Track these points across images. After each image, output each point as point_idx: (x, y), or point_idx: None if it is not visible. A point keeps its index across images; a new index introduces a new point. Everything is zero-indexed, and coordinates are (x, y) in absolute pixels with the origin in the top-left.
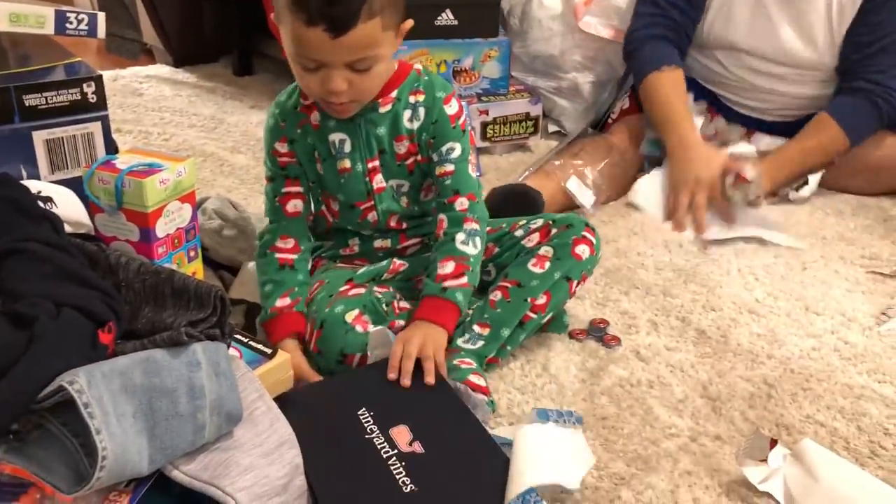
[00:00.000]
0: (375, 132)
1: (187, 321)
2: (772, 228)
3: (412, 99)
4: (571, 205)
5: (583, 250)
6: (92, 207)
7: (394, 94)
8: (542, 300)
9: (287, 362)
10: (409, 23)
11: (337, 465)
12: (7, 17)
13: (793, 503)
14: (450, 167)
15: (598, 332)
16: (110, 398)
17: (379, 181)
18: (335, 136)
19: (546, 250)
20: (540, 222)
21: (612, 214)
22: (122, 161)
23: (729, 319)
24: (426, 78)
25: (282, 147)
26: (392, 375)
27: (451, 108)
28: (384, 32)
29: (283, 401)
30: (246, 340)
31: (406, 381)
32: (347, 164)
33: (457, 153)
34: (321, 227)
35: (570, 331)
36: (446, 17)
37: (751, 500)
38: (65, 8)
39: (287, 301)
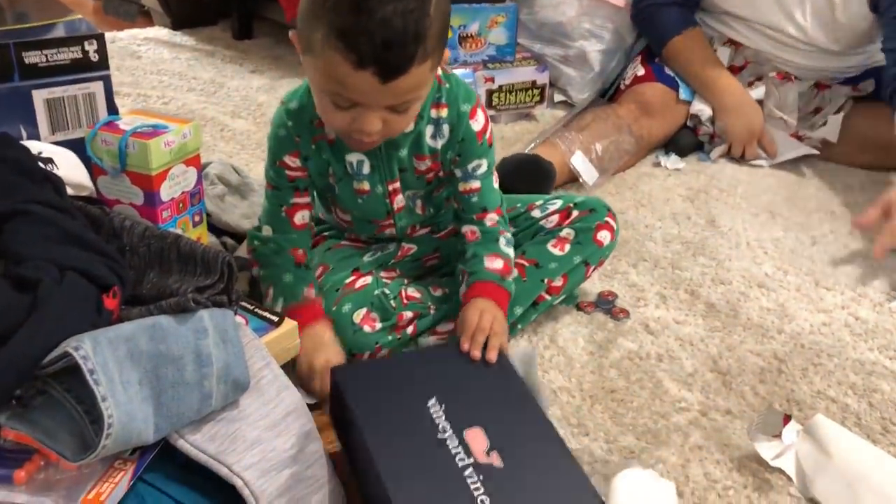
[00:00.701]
0: (398, 155)
1: (194, 287)
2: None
3: (434, 113)
4: (576, 178)
5: (604, 236)
6: (94, 169)
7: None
8: (558, 282)
9: (294, 330)
10: (448, 53)
11: (411, 466)
12: None
13: (805, 479)
14: (476, 184)
15: (606, 304)
16: (116, 365)
17: (399, 201)
18: (353, 157)
19: (567, 233)
20: (559, 203)
21: (619, 186)
22: (126, 122)
23: (738, 293)
24: (447, 86)
25: (293, 161)
26: (466, 346)
27: (478, 124)
28: (431, 72)
29: (345, 375)
30: (252, 308)
31: (476, 353)
32: (366, 185)
33: (483, 169)
34: (329, 223)
35: (577, 303)
36: None
37: (762, 475)
38: None
39: (314, 292)
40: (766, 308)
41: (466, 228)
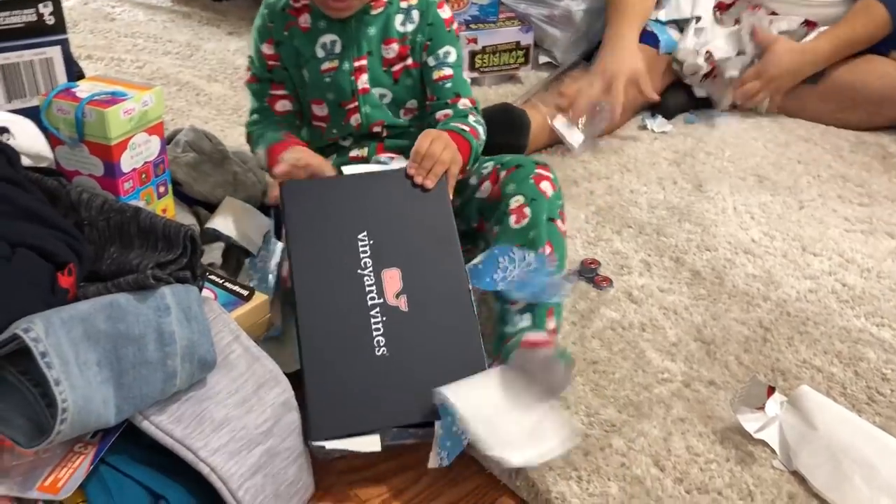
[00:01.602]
0: (366, 31)
1: (155, 263)
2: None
3: (404, 4)
4: (558, 141)
5: (546, 186)
6: (52, 139)
7: None
8: (547, 250)
9: (265, 304)
10: None
11: (324, 293)
12: None
13: (789, 452)
14: (448, 71)
15: (589, 272)
16: (71, 346)
17: (364, 81)
18: (326, 38)
19: (516, 200)
20: (490, 166)
21: (604, 150)
22: (83, 89)
23: (724, 260)
24: None
25: (268, 49)
26: (412, 170)
27: (445, 13)
28: None
29: (291, 191)
30: (221, 281)
31: (419, 179)
32: (335, 63)
33: (453, 57)
34: (313, 141)
35: None
36: None
37: (745, 447)
38: None
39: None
40: (751, 275)
41: (440, 113)
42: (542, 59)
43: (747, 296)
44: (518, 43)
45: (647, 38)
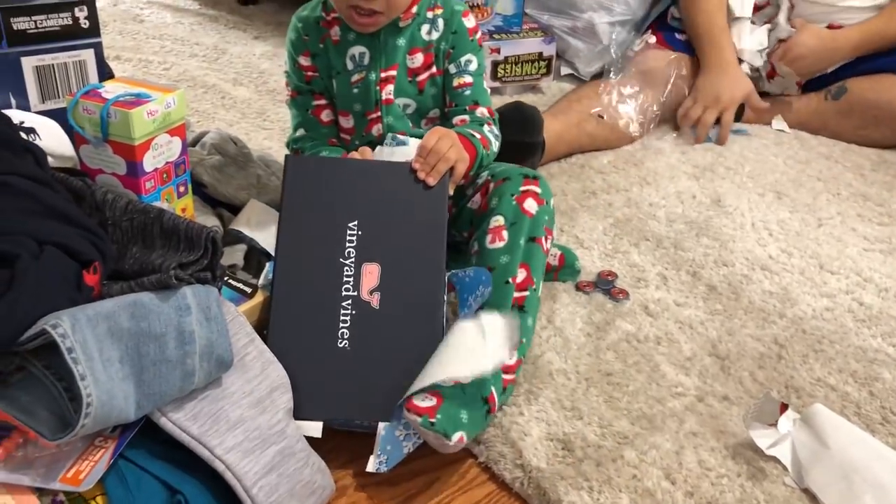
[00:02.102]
0: (394, 44)
1: (177, 263)
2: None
3: (430, 14)
4: (579, 146)
5: (530, 205)
6: (76, 138)
7: (414, 9)
8: (521, 275)
9: (267, 301)
10: None
11: (302, 275)
12: None
13: (800, 469)
14: (468, 78)
15: (605, 284)
16: (96, 342)
17: (388, 92)
18: (355, 50)
19: (496, 220)
20: (483, 177)
21: (626, 161)
22: (108, 90)
23: (741, 276)
24: None
25: (305, 61)
26: (416, 166)
27: (469, 22)
28: None
29: (295, 167)
30: (226, 279)
31: (422, 175)
32: (363, 74)
33: (474, 66)
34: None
35: (577, 283)
36: None
37: (757, 463)
38: None
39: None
40: (768, 291)
41: (457, 119)
42: (565, 70)
43: (763, 312)
44: (541, 54)
45: (680, 45)
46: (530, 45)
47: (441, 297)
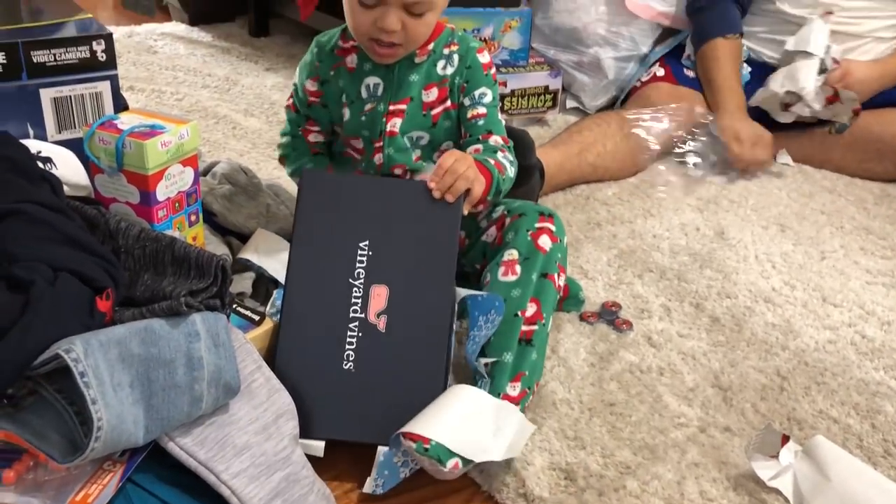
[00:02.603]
0: (408, 79)
1: (187, 290)
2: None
3: (446, 50)
4: (581, 176)
5: (544, 241)
6: (92, 168)
7: (430, 47)
8: (531, 309)
9: (274, 328)
10: None
11: (312, 294)
12: None
13: (802, 500)
14: (482, 110)
15: (609, 315)
16: (107, 367)
17: (394, 125)
18: (371, 80)
19: (510, 253)
20: (499, 211)
21: (630, 193)
22: (124, 121)
23: (744, 308)
24: (459, 34)
25: (312, 86)
26: (432, 185)
27: (484, 58)
28: None
29: (310, 182)
30: (234, 306)
31: (438, 194)
32: (374, 104)
33: (488, 98)
34: (343, 169)
35: (581, 313)
36: None
37: (759, 495)
38: None
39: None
40: (771, 323)
41: (471, 148)
42: (570, 103)
43: (766, 344)
44: (547, 87)
45: (687, 81)
46: (536, 78)
47: (448, 323)
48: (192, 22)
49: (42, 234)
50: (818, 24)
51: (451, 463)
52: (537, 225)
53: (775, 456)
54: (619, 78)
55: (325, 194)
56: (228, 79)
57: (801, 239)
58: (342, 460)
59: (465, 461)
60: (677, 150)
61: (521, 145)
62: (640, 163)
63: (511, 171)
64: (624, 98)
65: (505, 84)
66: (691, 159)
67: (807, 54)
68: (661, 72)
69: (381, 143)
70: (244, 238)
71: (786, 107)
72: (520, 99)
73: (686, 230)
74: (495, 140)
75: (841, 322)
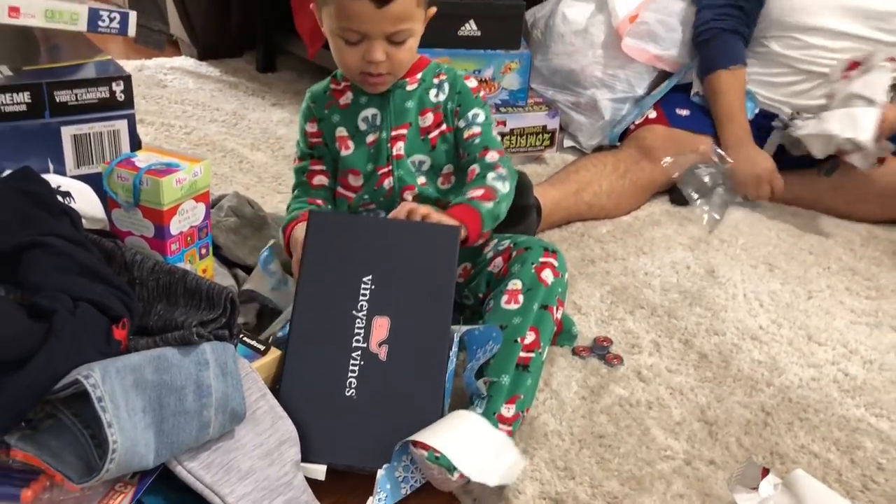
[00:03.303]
0: (404, 105)
1: (198, 321)
2: None
3: (436, 80)
4: (577, 213)
5: (547, 275)
6: (109, 202)
7: (418, 76)
8: (530, 337)
9: (279, 358)
10: (433, 10)
11: (318, 325)
12: (43, 12)
13: None
14: (477, 129)
15: (601, 350)
16: (122, 393)
17: (399, 148)
18: (368, 112)
19: (514, 283)
20: (505, 243)
21: (624, 231)
22: (141, 159)
23: (731, 345)
24: (444, 66)
25: (311, 127)
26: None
27: (472, 83)
28: (418, 8)
29: (317, 223)
30: (241, 336)
31: (416, 217)
32: (377, 134)
33: (482, 118)
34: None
35: (574, 347)
36: (470, 28)
37: None
38: (97, 5)
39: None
40: (757, 360)
41: (469, 170)
42: (567, 142)
43: (751, 380)
44: (544, 127)
45: (679, 121)
46: (534, 118)
47: (446, 353)
48: (202, 57)
49: (63, 265)
50: (883, 68)
51: (457, 474)
52: (541, 259)
53: (755, 488)
54: (615, 118)
55: (330, 233)
56: (236, 113)
57: (788, 278)
58: (341, 487)
59: (466, 478)
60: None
61: (519, 186)
62: (634, 202)
63: (503, 188)
64: (619, 139)
65: (504, 123)
66: (691, 190)
67: (868, 101)
68: (653, 114)
69: (390, 168)
70: (249, 270)
71: (840, 153)
72: (518, 137)
73: (677, 268)
74: (491, 156)
75: (825, 360)
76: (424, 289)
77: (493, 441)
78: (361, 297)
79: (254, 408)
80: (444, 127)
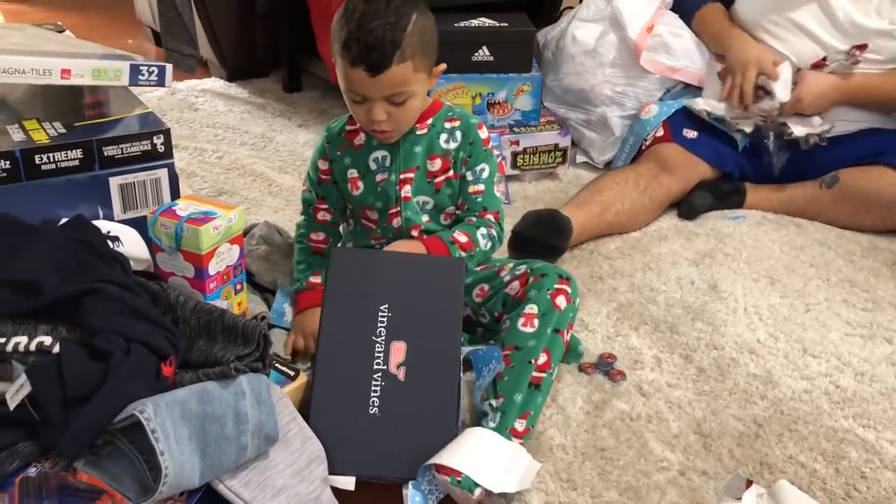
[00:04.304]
0: (413, 150)
1: (235, 356)
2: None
3: (447, 125)
4: (599, 234)
5: (561, 301)
6: (154, 247)
7: (429, 121)
8: (543, 358)
9: (308, 383)
10: (442, 66)
11: (341, 351)
12: (91, 72)
13: None
14: (481, 186)
15: (605, 366)
16: (172, 424)
17: (406, 191)
18: (378, 154)
19: (531, 308)
20: (522, 269)
21: (632, 247)
22: (182, 208)
23: (729, 359)
24: (457, 110)
25: (323, 164)
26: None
27: (483, 134)
28: (416, 73)
29: (339, 259)
30: (273, 363)
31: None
32: (385, 175)
33: (486, 173)
34: (362, 239)
35: (580, 364)
36: (483, 54)
37: None
38: (137, 61)
39: (318, 279)
40: (753, 374)
41: (466, 218)
42: (580, 158)
43: (746, 394)
44: (556, 145)
45: (683, 140)
46: (547, 137)
47: (457, 372)
48: (230, 78)
49: (117, 309)
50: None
51: (478, 492)
52: (556, 286)
53: (740, 499)
54: (625, 134)
55: (350, 268)
56: (264, 136)
57: (788, 291)
58: (367, 499)
59: (488, 491)
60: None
61: (562, 232)
62: (651, 218)
63: (484, 245)
64: (633, 158)
65: (517, 143)
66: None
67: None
68: (661, 132)
69: (398, 209)
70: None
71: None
72: (531, 156)
73: (682, 283)
74: (488, 218)
75: (818, 372)
76: (435, 314)
77: (507, 452)
78: (379, 324)
79: (285, 430)
80: (450, 173)
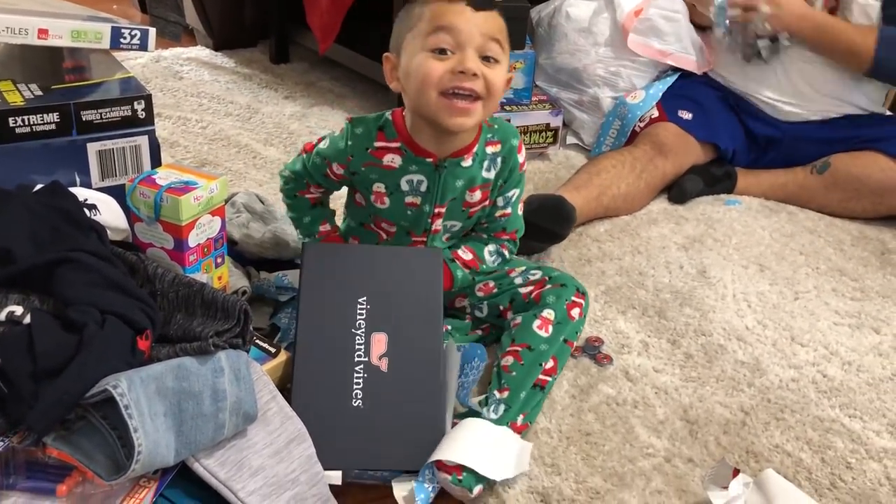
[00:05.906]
0: (453, 183)
1: (214, 331)
2: None
3: (489, 150)
4: (595, 216)
5: (575, 313)
6: (132, 217)
7: (475, 149)
8: (551, 364)
9: (288, 360)
10: (513, 75)
11: (321, 345)
12: (69, 33)
13: None
14: (508, 210)
15: (592, 350)
16: (146, 400)
17: (438, 224)
18: (414, 177)
19: (548, 313)
20: (538, 275)
21: (621, 230)
22: (162, 177)
23: (717, 345)
24: (496, 127)
25: (338, 169)
26: None
27: (522, 156)
28: (505, 49)
29: (312, 253)
30: (253, 339)
31: None
32: (417, 201)
33: (515, 196)
34: (371, 239)
35: None
36: None
37: None
38: (119, 23)
39: (328, 227)
40: (740, 361)
41: (484, 231)
42: (570, 139)
43: (733, 381)
44: (548, 125)
45: (679, 120)
46: (538, 116)
47: (440, 361)
48: (217, 47)
49: (92, 280)
50: None
51: (476, 489)
52: (573, 298)
53: (727, 487)
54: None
55: (325, 262)
56: (250, 107)
57: (777, 279)
58: (363, 494)
59: (487, 485)
60: None
61: (565, 219)
62: (645, 201)
63: (493, 261)
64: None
65: (509, 121)
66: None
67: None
68: (655, 113)
69: (426, 239)
70: (262, 264)
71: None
72: (522, 135)
73: (670, 268)
74: (504, 237)
75: (805, 361)
76: (415, 304)
77: (499, 437)
78: (359, 317)
79: (265, 409)
80: (486, 202)
